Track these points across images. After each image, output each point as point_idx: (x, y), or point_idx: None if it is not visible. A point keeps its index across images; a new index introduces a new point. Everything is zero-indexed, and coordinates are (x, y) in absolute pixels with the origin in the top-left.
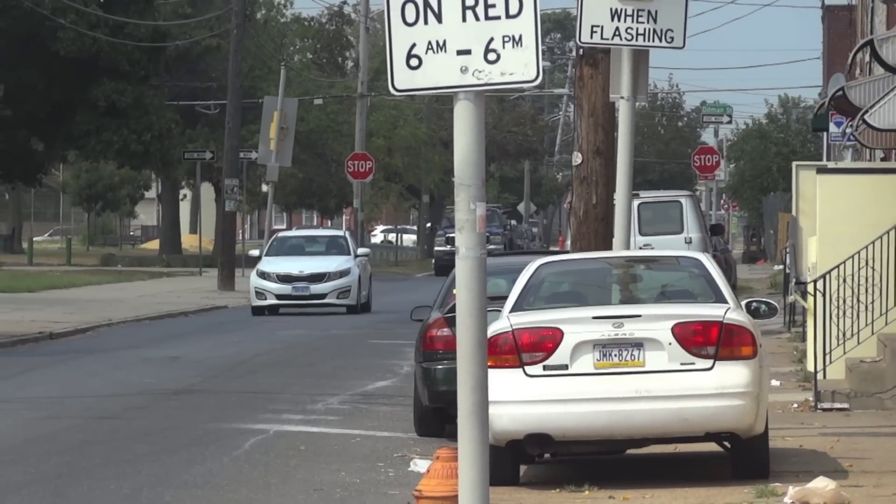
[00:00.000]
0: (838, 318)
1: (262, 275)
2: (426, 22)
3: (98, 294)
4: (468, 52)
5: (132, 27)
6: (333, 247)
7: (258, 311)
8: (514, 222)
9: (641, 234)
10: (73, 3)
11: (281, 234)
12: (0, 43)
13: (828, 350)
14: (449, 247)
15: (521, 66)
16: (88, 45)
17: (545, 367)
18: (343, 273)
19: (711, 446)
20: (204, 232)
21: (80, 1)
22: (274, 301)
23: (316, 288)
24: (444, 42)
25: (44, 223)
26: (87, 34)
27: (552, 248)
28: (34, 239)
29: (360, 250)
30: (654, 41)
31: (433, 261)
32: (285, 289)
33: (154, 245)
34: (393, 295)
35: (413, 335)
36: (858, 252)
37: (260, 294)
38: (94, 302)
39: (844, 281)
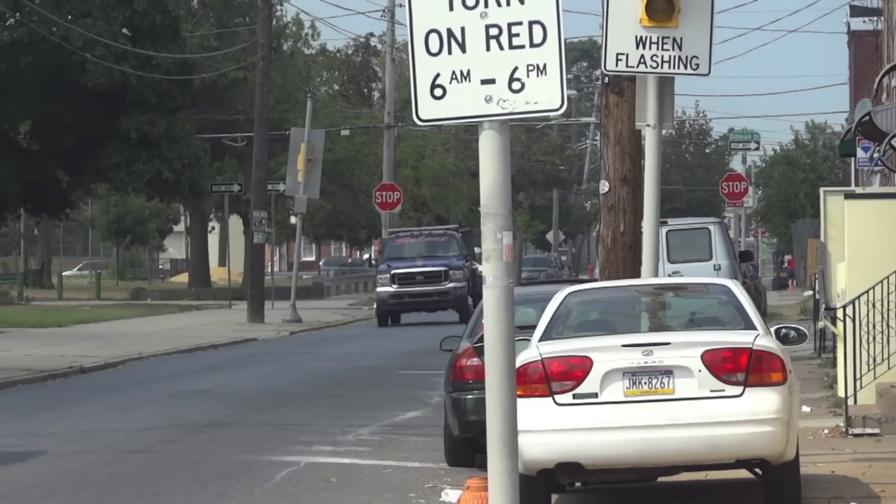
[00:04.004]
0: (868, 343)
1: None
2: (450, 52)
3: (128, 328)
4: (492, 81)
5: (159, 59)
6: None
7: None
8: (479, 249)
9: (670, 261)
10: (101, 37)
11: None
12: (28, 77)
13: (858, 375)
14: (395, 287)
15: (545, 95)
16: (116, 78)
17: (575, 396)
18: None
19: (743, 473)
20: (233, 264)
21: (107, 35)
22: None
23: None
24: (468, 72)
25: (73, 257)
26: (114, 67)
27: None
28: (64, 273)
29: None
30: (679, 68)
31: (374, 306)
32: None
33: (183, 278)
34: (417, 329)
35: (442, 365)
36: (888, 277)
37: None
38: (125, 336)
39: (874, 306)
